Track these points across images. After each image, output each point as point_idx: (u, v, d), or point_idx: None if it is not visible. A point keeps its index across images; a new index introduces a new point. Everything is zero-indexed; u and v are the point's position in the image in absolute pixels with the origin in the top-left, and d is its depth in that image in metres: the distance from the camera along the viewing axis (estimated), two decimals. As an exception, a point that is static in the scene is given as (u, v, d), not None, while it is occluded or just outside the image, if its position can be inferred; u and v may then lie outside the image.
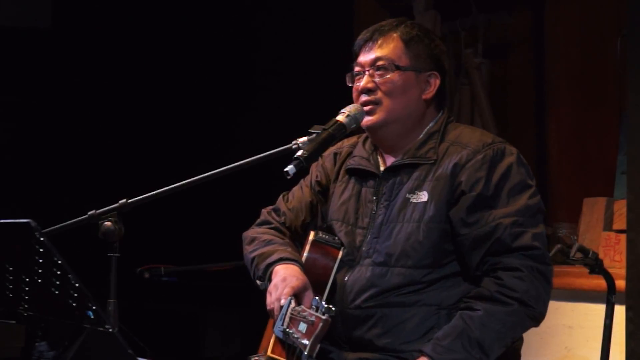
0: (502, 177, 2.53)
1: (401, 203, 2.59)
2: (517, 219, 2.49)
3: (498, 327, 2.44)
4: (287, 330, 2.40)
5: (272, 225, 2.82)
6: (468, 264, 2.53)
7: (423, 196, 2.57)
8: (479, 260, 2.50)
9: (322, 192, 2.82)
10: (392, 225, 2.59)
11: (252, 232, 2.83)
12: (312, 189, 2.83)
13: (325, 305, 2.33)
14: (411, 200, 2.58)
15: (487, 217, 2.50)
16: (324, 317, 2.32)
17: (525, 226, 2.49)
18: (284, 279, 2.54)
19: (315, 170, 2.85)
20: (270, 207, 2.89)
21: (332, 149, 2.80)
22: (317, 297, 2.40)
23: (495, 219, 2.49)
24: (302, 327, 2.36)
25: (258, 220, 2.88)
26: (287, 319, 2.41)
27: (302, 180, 2.87)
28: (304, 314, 2.38)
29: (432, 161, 2.60)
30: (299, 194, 2.85)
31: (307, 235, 2.72)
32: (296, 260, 2.62)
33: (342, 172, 2.77)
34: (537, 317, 2.50)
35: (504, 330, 2.45)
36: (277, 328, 2.45)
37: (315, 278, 2.59)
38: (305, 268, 2.61)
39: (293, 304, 2.43)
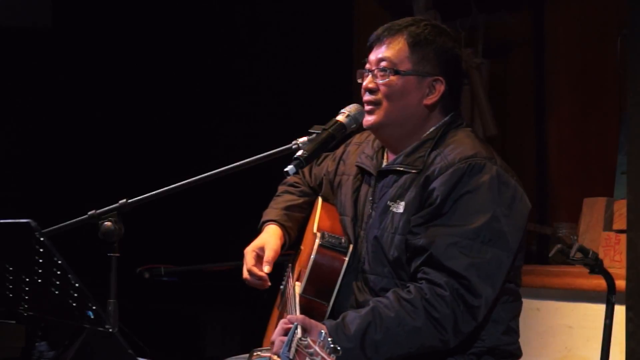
0: (463, 195, 2.43)
1: (383, 209, 2.57)
2: (458, 240, 2.40)
3: (402, 339, 2.37)
4: None
5: (288, 182, 2.95)
6: (409, 272, 2.49)
7: (401, 207, 2.52)
8: (414, 269, 2.46)
9: (332, 182, 2.83)
10: (374, 231, 2.57)
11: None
12: (329, 174, 2.84)
13: (332, 345, 2.28)
14: (391, 208, 2.55)
15: (432, 230, 2.43)
16: (329, 359, 2.28)
17: (464, 251, 2.39)
18: (251, 249, 2.73)
19: (338, 157, 2.84)
20: None
21: (355, 140, 2.82)
22: (322, 331, 2.34)
23: (434, 235, 2.41)
24: None
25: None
26: (292, 349, 2.37)
27: (331, 154, 2.88)
28: (310, 350, 2.32)
29: (417, 170, 2.53)
30: (324, 166, 2.89)
31: (316, 202, 2.82)
32: (276, 220, 2.79)
33: (355, 167, 2.75)
34: (446, 344, 2.40)
35: (406, 343, 2.38)
36: (284, 355, 2.41)
37: (322, 283, 2.57)
38: (313, 273, 2.58)
39: (299, 333, 2.39)
